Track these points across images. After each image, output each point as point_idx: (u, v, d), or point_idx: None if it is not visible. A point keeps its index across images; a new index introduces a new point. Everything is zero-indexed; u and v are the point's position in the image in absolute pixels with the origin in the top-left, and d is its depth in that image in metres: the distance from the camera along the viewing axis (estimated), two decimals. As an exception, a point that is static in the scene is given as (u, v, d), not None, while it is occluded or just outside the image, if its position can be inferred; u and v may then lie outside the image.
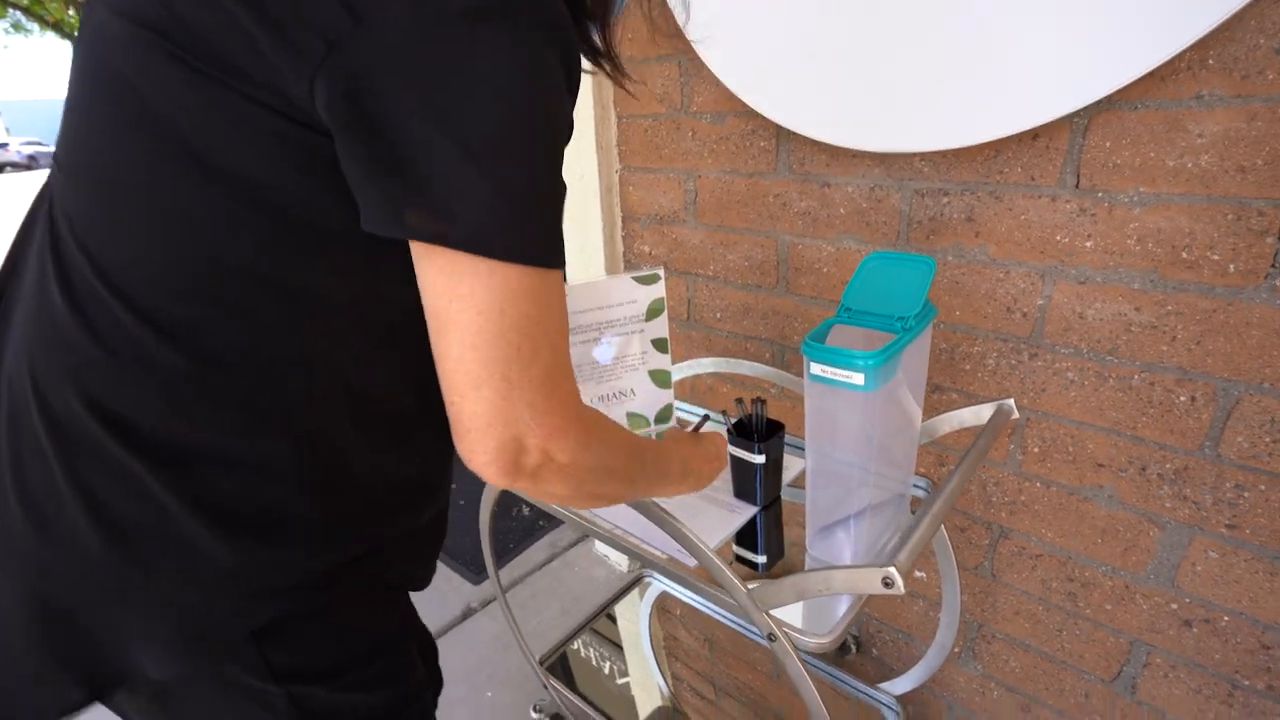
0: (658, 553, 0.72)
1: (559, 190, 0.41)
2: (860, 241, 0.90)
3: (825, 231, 0.93)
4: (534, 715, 1.15)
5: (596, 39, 0.50)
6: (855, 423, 0.64)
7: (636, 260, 1.23)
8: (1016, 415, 0.70)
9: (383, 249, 0.42)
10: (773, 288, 1.02)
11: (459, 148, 0.36)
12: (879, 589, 0.50)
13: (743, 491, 0.82)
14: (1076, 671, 0.87)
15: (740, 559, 0.83)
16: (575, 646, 1.53)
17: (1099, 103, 0.64)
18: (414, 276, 0.44)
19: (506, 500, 0.77)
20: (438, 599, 1.51)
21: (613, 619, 1.49)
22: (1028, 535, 0.86)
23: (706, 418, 0.84)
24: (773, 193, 0.97)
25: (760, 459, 0.77)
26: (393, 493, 0.53)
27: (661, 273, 0.92)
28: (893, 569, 0.49)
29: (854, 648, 1.11)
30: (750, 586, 0.60)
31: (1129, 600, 0.79)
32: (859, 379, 0.57)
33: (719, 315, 1.12)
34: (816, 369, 0.60)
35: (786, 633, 0.59)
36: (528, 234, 0.38)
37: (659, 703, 1.47)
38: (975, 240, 0.80)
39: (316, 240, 0.42)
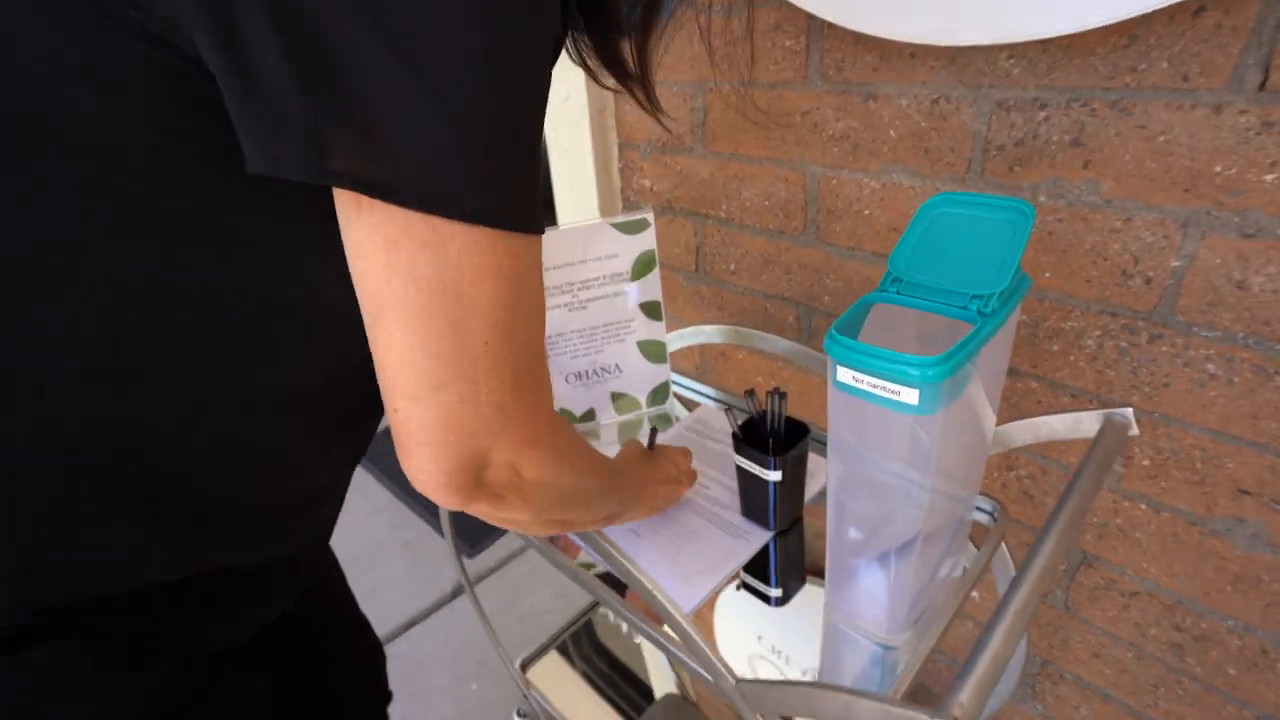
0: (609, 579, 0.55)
1: (539, 135, 0.31)
2: (915, 175, 0.67)
3: (869, 162, 0.70)
4: (516, 720, 1.03)
5: (629, 58, 0.40)
6: (900, 448, 0.45)
7: (636, 198, 1.01)
8: (1136, 431, 0.49)
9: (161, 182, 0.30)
10: (799, 234, 0.80)
11: (405, 63, 0.25)
12: (929, 747, 0.32)
13: (752, 511, 0.64)
14: (1172, 735, 0.69)
15: (749, 588, 0.66)
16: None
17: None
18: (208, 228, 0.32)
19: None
20: (426, 573, 1.40)
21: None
22: (1121, 567, 0.66)
23: (655, 431, 0.66)
24: (801, 109, 0.73)
25: (775, 476, 0.58)
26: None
27: (650, 217, 0.71)
28: (953, 724, 0.31)
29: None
30: (742, 679, 0.43)
31: (1265, 668, 0.59)
32: (911, 397, 0.37)
33: (733, 267, 0.91)
34: (846, 376, 0.40)
35: (788, 743, 0.42)
36: (500, 186, 0.28)
37: (670, 689, 1.36)
38: (1083, 173, 0.56)
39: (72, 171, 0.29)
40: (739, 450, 0.60)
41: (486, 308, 0.28)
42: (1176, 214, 0.53)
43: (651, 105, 0.43)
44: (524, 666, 0.97)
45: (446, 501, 0.32)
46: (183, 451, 0.37)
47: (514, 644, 1.23)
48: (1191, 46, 0.48)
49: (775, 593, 0.65)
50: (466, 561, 1.45)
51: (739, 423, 0.62)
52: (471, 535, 1.53)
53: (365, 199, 0.27)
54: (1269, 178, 0.48)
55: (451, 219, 0.27)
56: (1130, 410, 0.48)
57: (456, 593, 1.38)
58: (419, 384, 0.29)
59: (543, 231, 0.31)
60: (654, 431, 0.66)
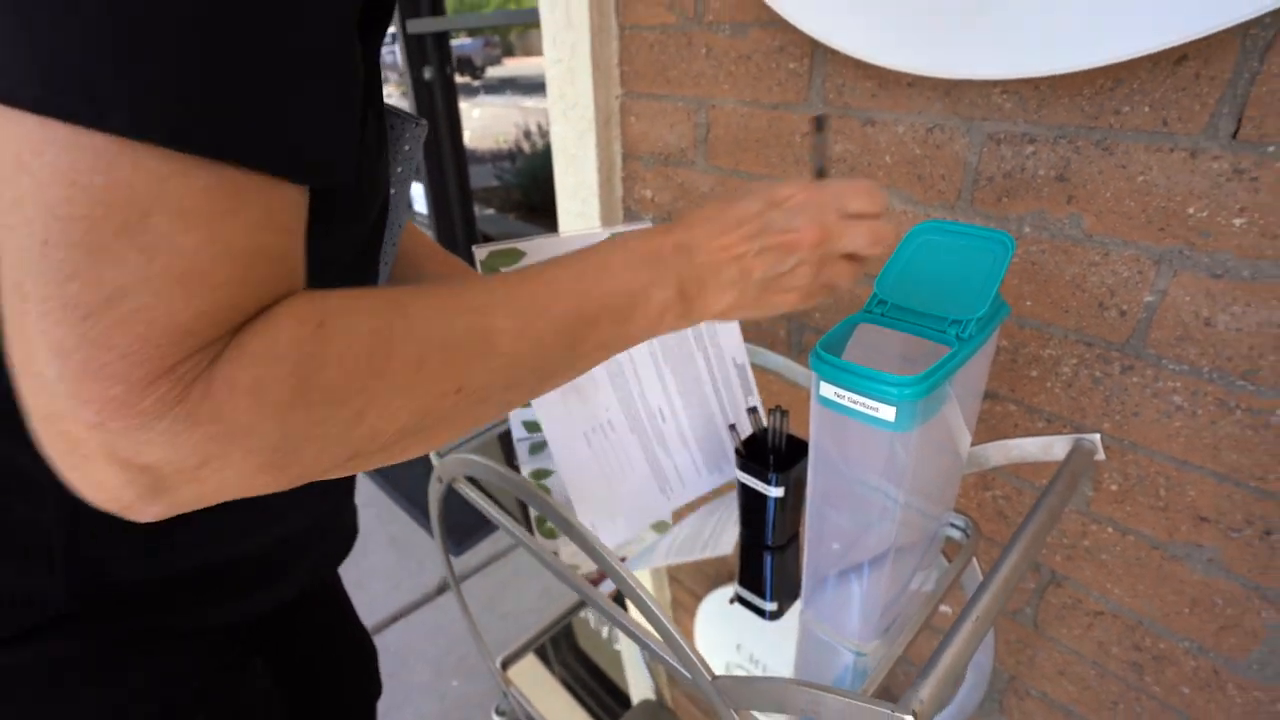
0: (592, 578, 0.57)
1: (267, 20, 0.22)
2: (909, 201, 0.69)
3: (864, 185, 0.72)
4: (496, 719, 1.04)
5: None
6: (876, 457, 0.47)
7: (637, 208, 1.04)
8: (1102, 456, 0.51)
9: None
10: (793, 252, 0.83)
11: None
12: (888, 741, 0.34)
13: (751, 525, 0.66)
14: (1130, 752, 0.71)
15: (744, 602, 0.68)
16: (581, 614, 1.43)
17: (1298, 7, 0.43)
18: None
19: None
20: (412, 569, 1.41)
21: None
22: (1086, 588, 0.68)
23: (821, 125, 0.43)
24: (801, 130, 0.76)
25: (776, 492, 0.61)
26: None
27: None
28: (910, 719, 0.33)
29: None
30: (719, 675, 0.45)
31: (1216, 688, 0.62)
32: (888, 414, 0.39)
33: (728, 280, 0.93)
34: (828, 391, 0.42)
35: (759, 739, 0.44)
36: (97, 72, 0.20)
37: (647, 695, 1.38)
38: (1066, 208, 0.59)
39: None
40: (741, 466, 0.62)
41: (50, 203, 0.20)
42: (1151, 251, 0.55)
43: None
44: (505, 665, 0.98)
45: (108, 510, 0.24)
46: None
47: (496, 642, 1.24)
48: (1171, 93, 0.51)
49: (770, 606, 0.67)
50: (452, 559, 1.46)
51: (740, 440, 0.64)
52: (457, 533, 1.54)
53: None
54: (1238, 222, 0.50)
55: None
56: (1098, 436, 0.51)
57: (441, 589, 1.39)
58: None
59: (246, 157, 0.22)
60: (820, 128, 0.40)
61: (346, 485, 0.54)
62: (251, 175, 0.22)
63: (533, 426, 0.81)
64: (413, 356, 0.26)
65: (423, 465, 0.62)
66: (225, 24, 0.21)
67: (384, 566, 1.44)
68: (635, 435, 0.65)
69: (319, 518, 0.50)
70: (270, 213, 0.23)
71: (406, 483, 1.70)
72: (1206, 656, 0.62)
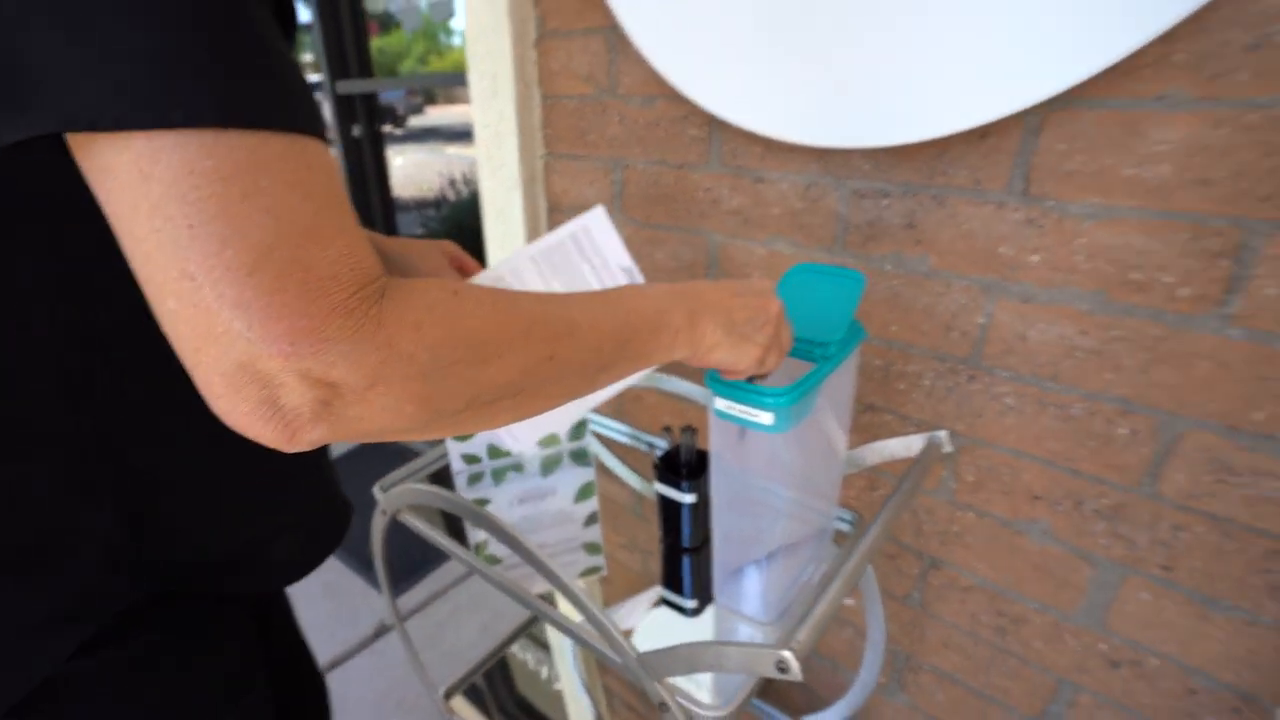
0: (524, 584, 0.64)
1: (236, 21, 0.28)
2: (793, 245, 0.82)
3: (757, 233, 0.84)
4: (438, 748, 1.05)
5: None
6: (766, 463, 0.56)
7: (563, 253, 1.13)
8: (949, 449, 0.63)
9: None
10: (703, 290, 0.94)
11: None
12: (772, 673, 0.42)
13: (670, 532, 0.74)
14: (1003, 707, 0.82)
15: (667, 602, 0.75)
16: (513, 649, 1.44)
17: (1056, 99, 0.57)
18: None
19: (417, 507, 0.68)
20: (346, 615, 1.40)
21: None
22: (959, 567, 0.80)
23: None
24: (703, 187, 0.88)
25: (689, 499, 0.69)
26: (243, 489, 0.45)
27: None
28: (787, 654, 0.42)
29: (781, 672, 1.05)
30: (640, 651, 0.52)
31: (1058, 639, 0.74)
32: (767, 419, 0.49)
33: (648, 316, 1.03)
34: (721, 404, 0.51)
35: (680, 703, 0.52)
36: (175, 87, 0.25)
37: None
38: (916, 249, 0.72)
39: None
40: (659, 478, 0.71)
41: (184, 195, 0.25)
42: (979, 282, 0.69)
43: None
44: (448, 695, 1.01)
45: (273, 438, 0.28)
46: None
47: (436, 680, 1.25)
48: (981, 160, 0.65)
49: (690, 604, 0.75)
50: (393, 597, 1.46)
51: (659, 455, 0.73)
52: (395, 575, 1.53)
53: (75, 138, 0.26)
54: (1034, 258, 0.64)
55: (119, 130, 0.25)
56: (945, 433, 0.63)
57: (378, 634, 1.38)
58: (153, 297, 0.26)
59: (285, 124, 0.27)
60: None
61: (328, 463, 0.59)
62: (295, 138, 0.28)
63: (471, 459, 0.87)
64: (522, 323, 0.33)
65: (356, 512, 0.67)
66: (237, 33, 0.27)
67: (319, 614, 1.42)
68: None
69: (317, 489, 0.57)
70: (328, 169, 0.29)
71: (338, 530, 1.68)
72: (1049, 613, 0.74)
